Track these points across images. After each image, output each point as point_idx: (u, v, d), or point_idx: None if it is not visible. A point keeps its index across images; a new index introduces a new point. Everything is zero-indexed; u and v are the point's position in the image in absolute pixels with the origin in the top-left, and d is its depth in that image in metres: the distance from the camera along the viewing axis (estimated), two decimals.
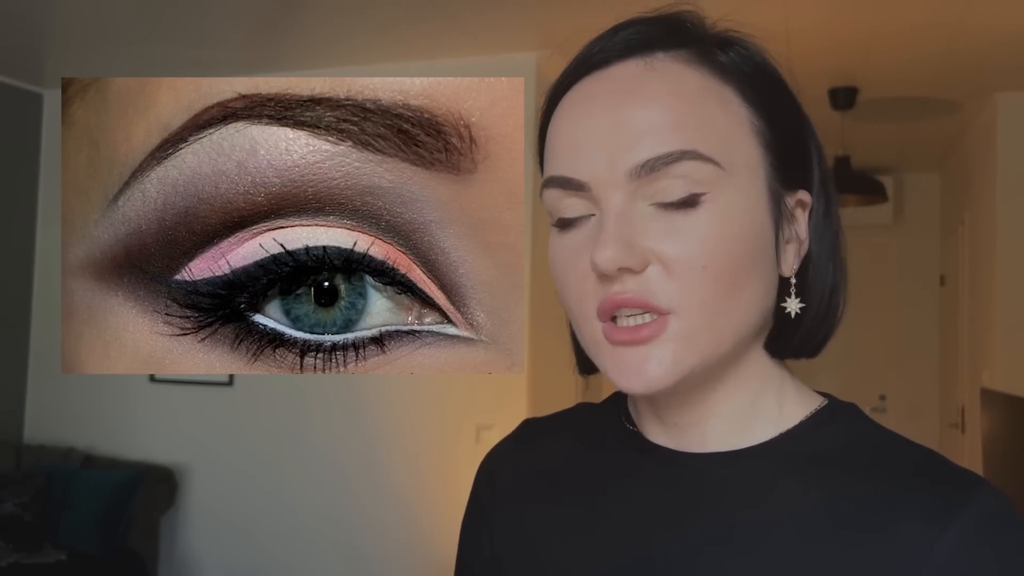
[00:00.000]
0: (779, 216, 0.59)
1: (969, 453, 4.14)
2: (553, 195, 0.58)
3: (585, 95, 0.58)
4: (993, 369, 3.75)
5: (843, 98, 3.71)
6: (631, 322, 0.55)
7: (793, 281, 0.60)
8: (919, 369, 5.39)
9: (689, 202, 0.55)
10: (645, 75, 0.57)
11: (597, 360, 0.59)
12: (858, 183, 4.02)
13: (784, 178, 0.59)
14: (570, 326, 0.66)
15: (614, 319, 0.56)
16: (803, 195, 0.61)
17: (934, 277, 5.37)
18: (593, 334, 0.57)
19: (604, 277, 0.55)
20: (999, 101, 3.79)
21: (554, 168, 0.58)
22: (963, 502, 0.53)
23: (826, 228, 0.62)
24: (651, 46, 0.58)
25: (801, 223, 0.61)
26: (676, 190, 0.55)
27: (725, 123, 0.56)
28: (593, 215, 0.57)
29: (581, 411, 0.74)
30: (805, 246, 0.61)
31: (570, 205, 0.58)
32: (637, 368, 0.55)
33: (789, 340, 0.62)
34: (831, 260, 0.62)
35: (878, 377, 5.41)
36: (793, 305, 0.60)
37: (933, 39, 3.15)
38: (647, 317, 0.55)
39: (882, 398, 5.42)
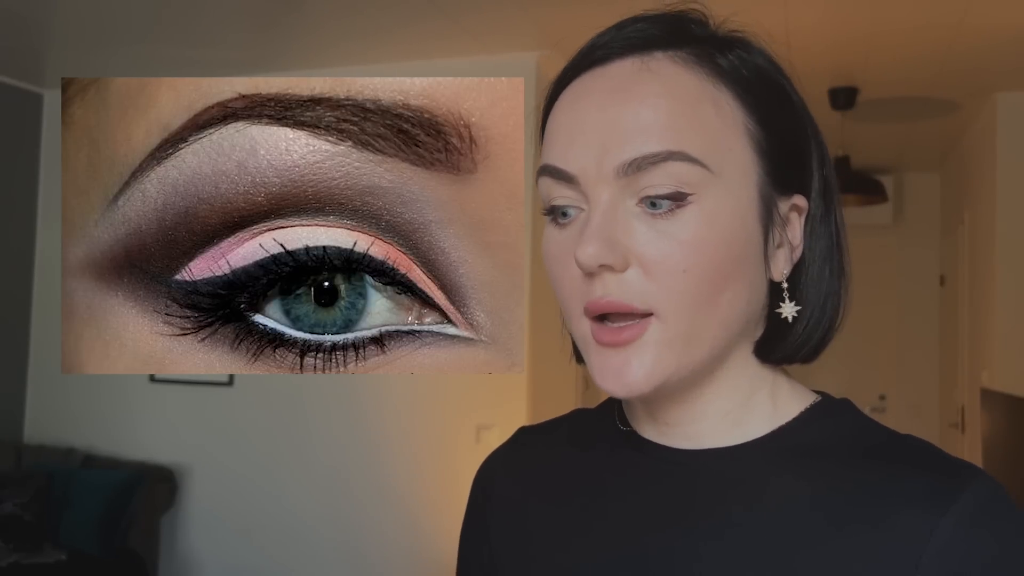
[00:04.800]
0: (769, 221, 0.59)
1: (969, 453, 4.14)
2: (545, 183, 0.59)
3: (583, 91, 0.59)
4: (993, 369, 3.75)
5: (843, 98, 3.71)
6: (615, 323, 0.56)
7: (785, 286, 0.60)
8: (919, 369, 5.39)
9: (674, 203, 0.55)
10: (640, 74, 0.57)
11: (585, 357, 0.60)
12: (858, 183, 4.02)
13: (778, 183, 0.59)
14: None
15: (601, 318, 0.57)
16: (799, 200, 0.61)
17: (934, 277, 5.37)
18: (582, 331, 0.58)
19: (588, 274, 0.56)
20: (999, 101, 3.79)
21: (548, 157, 0.59)
22: (959, 489, 0.53)
23: (823, 233, 0.62)
24: (650, 45, 0.58)
25: (796, 228, 0.61)
26: (661, 190, 0.55)
27: (717, 126, 0.56)
28: (583, 211, 0.57)
29: (576, 416, 0.74)
30: (799, 251, 0.61)
31: (561, 195, 0.58)
32: (617, 372, 0.56)
33: (781, 344, 0.62)
34: (827, 265, 0.62)
35: (878, 377, 5.41)
36: (788, 310, 0.60)
37: (933, 39, 3.15)
38: (630, 320, 0.56)
39: (882, 398, 5.42)
